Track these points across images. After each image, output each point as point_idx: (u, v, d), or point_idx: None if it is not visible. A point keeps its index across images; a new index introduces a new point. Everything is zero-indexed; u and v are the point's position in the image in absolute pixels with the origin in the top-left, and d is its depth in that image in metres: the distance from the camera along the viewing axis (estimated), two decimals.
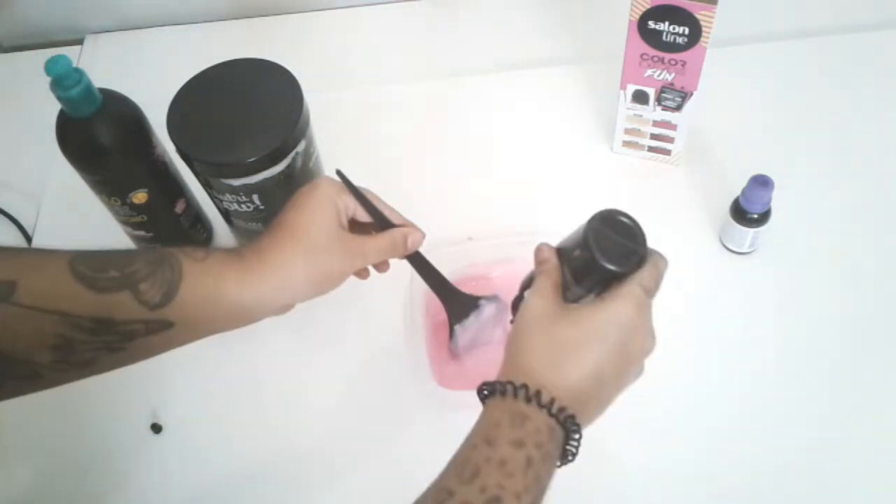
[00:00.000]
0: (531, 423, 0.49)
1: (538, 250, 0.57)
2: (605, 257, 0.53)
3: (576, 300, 0.55)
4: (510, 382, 0.50)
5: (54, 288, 0.49)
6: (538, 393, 0.50)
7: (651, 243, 0.79)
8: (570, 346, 0.51)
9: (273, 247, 0.57)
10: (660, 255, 0.55)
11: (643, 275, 0.53)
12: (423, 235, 0.63)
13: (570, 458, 0.52)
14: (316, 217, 0.58)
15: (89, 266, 0.50)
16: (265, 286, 0.55)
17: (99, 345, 0.51)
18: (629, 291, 0.52)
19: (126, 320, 0.51)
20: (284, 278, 0.56)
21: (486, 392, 0.52)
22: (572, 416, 0.50)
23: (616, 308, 0.51)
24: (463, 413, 0.71)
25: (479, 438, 0.49)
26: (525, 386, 0.50)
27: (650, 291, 0.53)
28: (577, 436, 0.50)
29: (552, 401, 0.49)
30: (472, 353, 0.70)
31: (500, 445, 0.48)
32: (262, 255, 0.56)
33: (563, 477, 0.51)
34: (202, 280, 0.53)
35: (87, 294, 0.50)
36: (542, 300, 0.54)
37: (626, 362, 0.52)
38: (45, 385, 0.51)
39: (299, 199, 0.59)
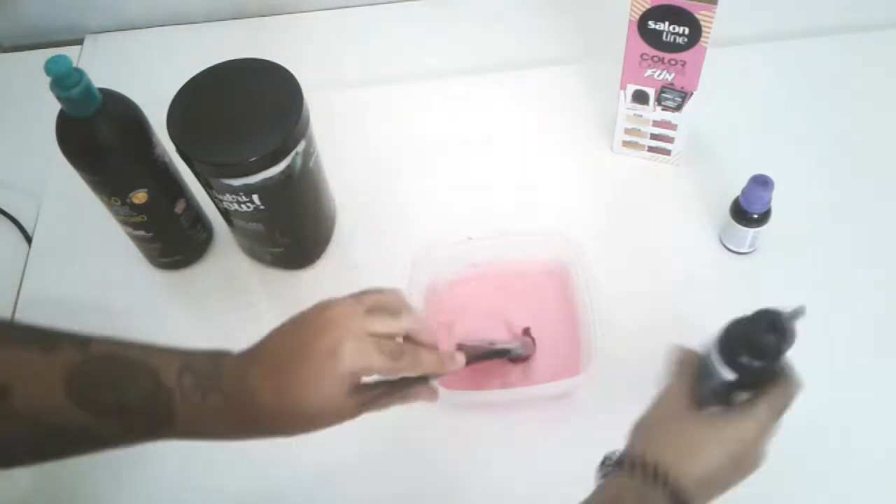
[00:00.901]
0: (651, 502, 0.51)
1: (676, 351, 0.60)
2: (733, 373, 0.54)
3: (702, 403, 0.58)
4: (640, 458, 0.53)
5: (47, 401, 0.49)
6: (666, 473, 0.52)
7: (651, 243, 0.80)
8: (700, 443, 0.54)
9: (271, 405, 0.52)
10: (793, 378, 0.56)
11: (773, 398, 0.55)
12: (436, 395, 0.59)
13: None
14: (321, 393, 0.51)
15: (84, 386, 0.50)
16: (257, 435, 0.53)
17: (78, 447, 0.52)
18: (758, 413, 0.54)
19: (107, 438, 0.52)
20: (277, 432, 0.53)
21: (609, 466, 0.55)
22: (672, 489, 0.51)
23: (745, 425, 0.54)
24: (463, 413, 0.72)
25: None
26: (655, 464, 0.52)
27: (777, 414, 0.55)
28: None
29: (676, 480, 0.52)
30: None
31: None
32: (260, 410, 0.52)
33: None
34: (192, 422, 0.52)
35: (76, 412, 0.49)
36: (676, 398, 0.57)
37: (737, 472, 0.55)
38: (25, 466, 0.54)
39: (314, 359, 0.51)
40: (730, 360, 0.54)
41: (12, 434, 0.49)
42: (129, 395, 0.51)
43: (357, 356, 0.51)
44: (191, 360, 0.53)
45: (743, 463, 0.55)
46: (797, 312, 0.52)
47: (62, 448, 0.52)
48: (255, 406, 0.52)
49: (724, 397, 0.58)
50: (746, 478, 0.56)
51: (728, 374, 0.55)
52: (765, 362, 0.54)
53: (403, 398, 0.57)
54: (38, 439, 0.50)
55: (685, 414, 0.56)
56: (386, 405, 0.56)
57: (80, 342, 0.51)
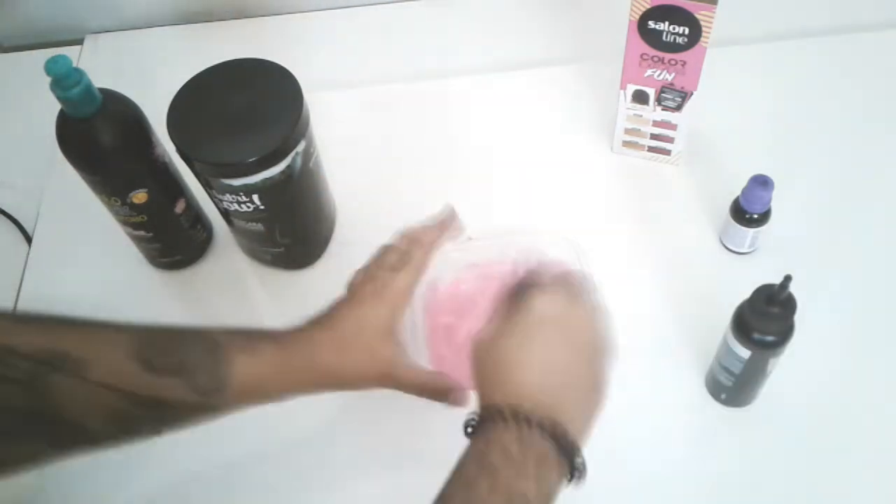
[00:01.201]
0: (498, 444, 0.49)
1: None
2: None
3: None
4: (470, 417, 0.52)
5: (119, 368, 0.54)
6: (492, 409, 0.50)
7: (651, 243, 0.80)
8: (512, 359, 0.53)
9: (317, 353, 0.60)
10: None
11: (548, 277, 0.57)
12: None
13: (575, 462, 0.50)
14: (362, 323, 0.60)
15: (151, 350, 0.55)
16: (305, 384, 0.60)
17: (154, 420, 0.56)
18: (538, 292, 0.55)
19: (179, 402, 0.56)
20: (329, 367, 0.60)
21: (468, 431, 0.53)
22: (524, 415, 0.49)
23: (532, 309, 0.54)
24: (462, 412, 0.71)
25: (450, 475, 0.50)
26: (482, 412, 0.51)
27: (569, 284, 0.57)
28: (559, 434, 0.49)
29: (507, 410, 0.49)
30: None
31: (463, 473, 0.49)
32: (306, 355, 0.59)
33: None
34: (248, 374, 0.57)
35: (146, 376, 0.54)
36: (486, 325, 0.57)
37: (579, 357, 0.53)
38: (100, 449, 0.56)
39: (350, 330, 0.60)
40: (744, 339, 0.61)
41: (94, 404, 0.53)
42: (192, 356, 0.56)
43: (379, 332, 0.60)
44: (236, 328, 0.60)
45: (576, 348, 0.53)
46: (786, 280, 0.56)
47: (141, 419, 0.55)
48: (304, 340, 0.60)
49: (742, 378, 0.64)
50: (596, 345, 0.54)
51: (744, 352, 0.61)
52: (775, 336, 0.60)
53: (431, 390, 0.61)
54: (119, 410, 0.53)
55: (488, 343, 0.55)
56: (413, 386, 0.61)
57: (140, 326, 0.57)
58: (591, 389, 0.54)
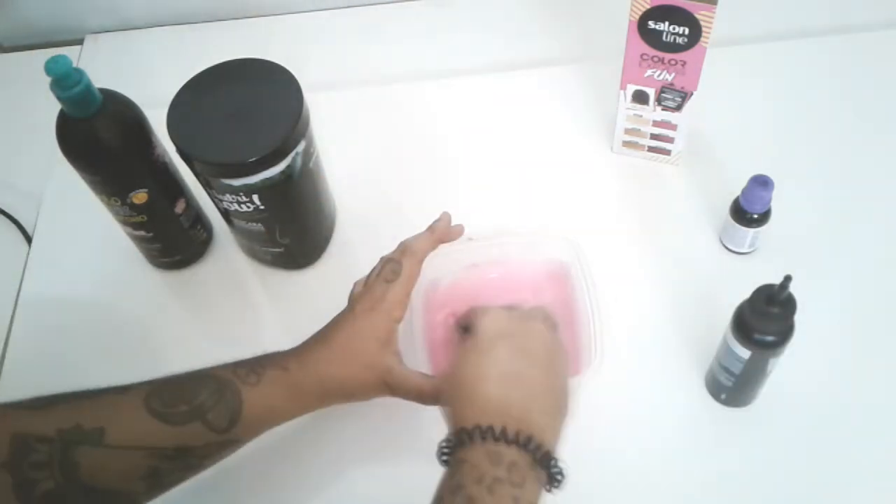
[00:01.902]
0: (467, 463, 0.50)
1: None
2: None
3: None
4: (442, 442, 0.53)
5: (136, 427, 0.56)
6: (459, 431, 0.51)
7: (651, 243, 0.80)
8: (471, 374, 0.55)
9: (319, 367, 0.62)
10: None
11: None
12: None
13: (552, 469, 0.51)
14: (358, 332, 0.63)
15: (162, 402, 0.57)
16: (314, 401, 0.63)
17: (181, 467, 0.58)
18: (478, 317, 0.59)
19: (200, 445, 0.58)
20: (331, 376, 0.63)
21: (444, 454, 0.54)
22: (490, 429, 0.50)
23: (478, 331, 0.57)
24: None
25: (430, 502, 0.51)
26: (451, 437, 0.53)
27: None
28: (530, 444, 0.50)
29: (473, 429, 0.51)
30: None
31: (441, 500, 0.50)
32: (308, 371, 0.62)
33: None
34: (259, 403, 0.60)
35: (164, 428, 0.56)
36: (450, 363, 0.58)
37: (528, 354, 0.55)
38: None
39: (348, 345, 0.63)
40: (744, 339, 0.60)
41: (122, 467, 0.55)
42: (202, 397, 0.58)
43: (379, 344, 0.63)
44: (235, 361, 0.61)
45: (530, 357, 0.55)
46: (786, 280, 0.56)
47: (171, 469, 0.57)
48: (307, 359, 0.62)
49: (742, 378, 0.64)
50: (547, 349, 0.57)
51: (744, 352, 0.61)
52: (775, 336, 0.60)
53: (420, 397, 0.63)
54: (148, 466, 0.56)
55: (449, 375, 0.57)
56: (409, 392, 0.63)
57: (142, 383, 0.58)
58: (555, 395, 0.55)
